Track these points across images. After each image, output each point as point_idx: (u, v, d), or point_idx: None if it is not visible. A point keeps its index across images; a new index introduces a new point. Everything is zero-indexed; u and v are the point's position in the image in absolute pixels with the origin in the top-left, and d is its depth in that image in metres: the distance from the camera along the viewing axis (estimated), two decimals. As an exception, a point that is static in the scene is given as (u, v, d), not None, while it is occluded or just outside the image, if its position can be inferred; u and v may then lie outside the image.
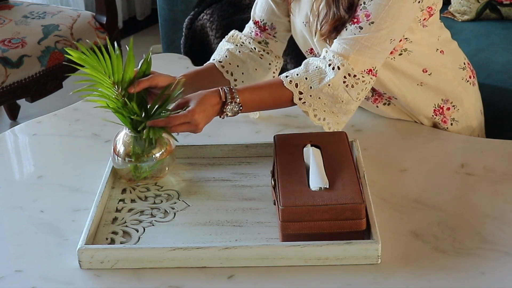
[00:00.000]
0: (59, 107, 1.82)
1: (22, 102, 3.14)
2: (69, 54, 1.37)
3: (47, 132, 1.71)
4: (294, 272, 1.22)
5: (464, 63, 1.67)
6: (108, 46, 1.38)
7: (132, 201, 1.42)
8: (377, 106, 1.65)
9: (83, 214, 1.36)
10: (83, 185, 1.47)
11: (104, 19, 2.78)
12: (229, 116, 1.41)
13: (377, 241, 1.22)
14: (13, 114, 3.19)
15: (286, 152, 1.39)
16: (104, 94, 1.39)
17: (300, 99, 1.43)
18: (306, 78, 1.44)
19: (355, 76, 1.44)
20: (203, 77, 1.58)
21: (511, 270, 1.22)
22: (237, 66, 1.62)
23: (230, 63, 1.62)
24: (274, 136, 1.45)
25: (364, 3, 1.45)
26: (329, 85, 1.42)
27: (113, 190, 1.44)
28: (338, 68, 1.43)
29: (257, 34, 1.67)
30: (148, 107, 1.41)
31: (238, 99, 1.40)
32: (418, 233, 1.30)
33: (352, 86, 1.44)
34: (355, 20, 1.45)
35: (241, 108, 1.40)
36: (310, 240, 1.23)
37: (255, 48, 1.66)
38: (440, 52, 1.61)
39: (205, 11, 2.78)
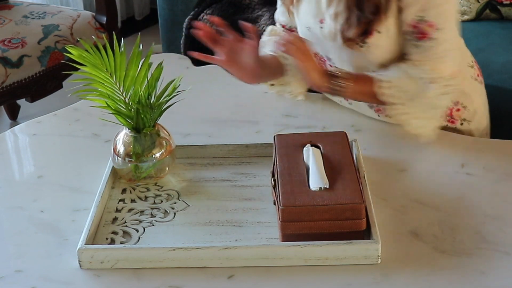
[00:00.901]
0: (59, 107, 1.82)
1: (22, 102, 3.14)
2: (69, 53, 1.37)
3: (47, 132, 1.71)
4: (294, 272, 1.22)
5: (472, 61, 1.69)
6: (114, 44, 1.38)
7: (132, 201, 1.42)
8: (379, 116, 1.65)
9: (83, 214, 1.36)
10: (83, 185, 1.47)
11: (104, 19, 2.78)
12: (329, 89, 1.48)
13: (377, 241, 1.22)
14: (13, 114, 3.19)
15: (286, 152, 1.39)
16: (103, 94, 1.39)
17: (400, 109, 1.50)
18: (400, 88, 1.49)
19: (447, 85, 1.49)
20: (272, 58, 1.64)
21: (511, 270, 1.22)
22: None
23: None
24: (274, 136, 1.45)
25: (419, 16, 1.47)
26: (427, 96, 1.48)
27: (113, 190, 1.44)
28: (432, 81, 1.48)
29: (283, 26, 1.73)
30: (152, 101, 1.40)
31: (344, 83, 1.48)
32: (418, 233, 1.30)
33: (448, 93, 1.50)
34: (421, 35, 1.48)
35: (343, 86, 1.48)
36: (310, 240, 1.23)
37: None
38: None
39: (205, 11, 2.78)
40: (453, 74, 1.50)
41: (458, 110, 1.63)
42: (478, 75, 1.69)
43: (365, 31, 1.49)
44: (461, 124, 1.64)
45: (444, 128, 1.64)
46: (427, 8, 1.46)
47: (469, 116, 1.65)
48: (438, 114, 1.52)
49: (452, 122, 1.64)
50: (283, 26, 1.72)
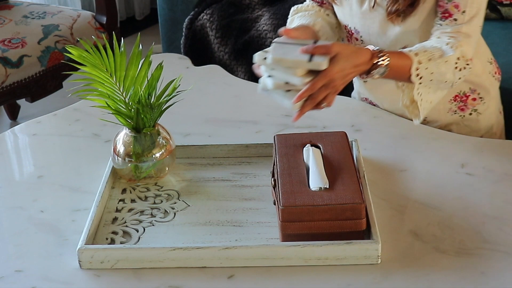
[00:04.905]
0: (59, 107, 1.82)
1: (22, 102, 3.14)
2: (69, 53, 1.37)
3: (47, 132, 1.71)
4: (294, 272, 1.22)
5: (491, 59, 1.70)
6: (114, 44, 1.38)
7: (132, 201, 1.42)
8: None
9: (83, 214, 1.36)
10: (83, 185, 1.47)
11: (104, 19, 2.78)
12: (375, 78, 1.40)
13: (377, 241, 1.22)
14: (13, 114, 3.19)
15: (286, 152, 1.39)
16: (103, 94, 1.39)
17: (417, 69, 1.42)
18: (425, 51, 1.43)
19: (466, 60, 1.46)
20: (300, 29, 1.57)
21: (511, 270, 1.22)
22: (315, 23, 1.63)
23: (309, 21, 1.62)
24: (274, 136, 1.45)
25: None
26: (446, 61, 1.44)
27: (113, 190, 1.44)
28: (457, 47, 1.44)
29: (319, 5, 1.70)
30: (152, 101, 1.40)
31: (388, 61, 1.38)
32: (418, 233, 1.30)
33: (460, 70, 1.46)
34: (447, 14, 1.48)
35: (387, 70, 1.39)
36: (310, 240, 1.23)
37: (320, 11, 1.68)
38: None
39: (205, 11, 2.78)
40: (471, 61, 1.48)
41: (474, 99, 1.64)
42: (496, 73, 1.71)
43: (412, 4, 1.50)
44: (470, 114, 1.65)
45: (453, 114, 1.65)
46: None
47: (481, 108, 1.66)
48: (439, 88, 1.48)
49: (463, 109, 1.65)
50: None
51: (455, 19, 1.48)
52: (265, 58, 1.32)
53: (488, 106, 1.67)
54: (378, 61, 1.37)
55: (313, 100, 1.31)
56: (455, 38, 1.47)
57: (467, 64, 1.47)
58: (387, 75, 1.42)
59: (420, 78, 1.43)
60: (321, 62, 1.29)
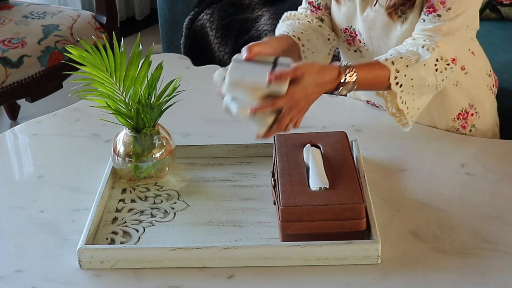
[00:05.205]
0: (59, 107, 1.82)
1: (22, 102, 3.14)
2: (69, 53, 1.37)
3: (47, 132, 1.71)
4: (294, 272, 1.22)
5: (490, 71, 1.67)
6: (114, 44, 1.38)
7: (132, 201, 1.42)
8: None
9: (83, 214, 1.36)
10: (83, 185, 1.47)
11: (104, 19, 2.78)
12: (343, 94, 1.37)
13: (377, 241, 1.22)
14: (13, 114, 3.19)
15: (286, 152, 1.39)
16: (103, 94, 1.39)
17: (395, 77, 1.40)
18: (401, 58, 1.41)
19: (446, 60, 1.44)
20: (279, 42, 1.51)
21: (511, 270, 1.22)
22: (301, 33, 1.59)
23: (294, 30, 1.58)
24: (274, 136, 1.45)
25: None
26: (424, 65, 1.41)
27: (113, 190, 1.44)
28: (433, 49, 1.42)
29: (312, 11, 1.66)
30: (152, 101, 1.40)
31: (355, 77, 1.36)
32: (418, 233, 1.30)
33: (441, 72, 1.43)
34: (431, 9, 1.45)
35: (355, 87, 1.37)
36: (310, 240, 1.23)
37: (312, 20, 1.64)
38: (472, 53, 1.61)
39: (205, 11, 2.78)
40: (453, 61, 1.45)
41: (472, 115, 1.63)
42: (493, 86, 1.68)
43: None
44: (470, 130, 1.64)
45: (455, 131, 1.64)
46: None
47: (478, 123, 1.65)
48: (423, 93, 1.45)
49: (464, 127, 1.63)
50: (310, 3, 1.65)
51: (439, 15, 1.44)
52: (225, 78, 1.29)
53: (484, 120, 1.65)
54: (346, 79, 1.35)
55: (280, 125, 1.29)
56: (432, 38, 1.44)
57: (448, 65, 1.44)
58: (362, 88, 1.40)
59: (401, 86, 1.41)
60: (280, 89, 1.25)
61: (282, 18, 1.67)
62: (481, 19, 2.63)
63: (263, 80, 1.25)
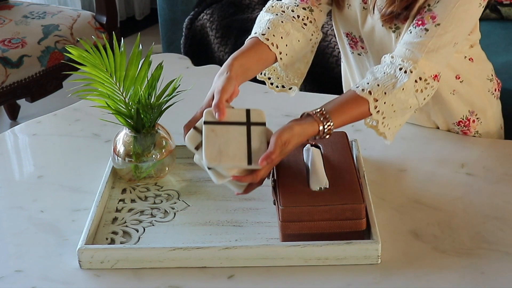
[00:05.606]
0: (59, 107, 1.82)
1: (22, 102, 3.14)
2: (69, 53, 1.37)
3: (47, 132, 1.71)
4: (294, 272, 1.22)
5: (492, 75, 1.65)
6: (114, 44, 1.38)
7: (132, 201, 1.42)
8: None
9: (83, 214, 1.36)
10: (83, 185, 1.47)
11: (104, 19, 2.78)
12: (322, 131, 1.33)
13: (377, 241, 1.22)
14: (13, 114, 3.19)
15: (286, 152, 1.39)
16: (103, 94, 1.39)
17: (375, 107, 1.36)
18: (378, 85, 1.37)
19: (425, 80, 1.40)
20: (250, 55, 1.47)
21: (511, 270, 1.22)
22: (281, 38, 1.51)
23: (274, 35, 1.51)
24: (274, 136, 1.45)
25: (429, 5, 1.41)
26: (403, 89, 1.37)
27: (113, 190, 1.44)
28: (411, 71, 1.38)
29: (302, 0, 1.58)
30: (152, 101, 1.40)
31: (332, 125, 1.33)
32: (418, 233, 1.30)
33: (421, 91, 1.40)
34: (420, 22, 1.42)
35: (332, 132, 1.34)
36: (310, 240, 1.23)
37: (298, 16, 1.55)
38: (469, 59, 1.59)
39: (205, 11, 2.78)
40: (435, 78, 1.41)
41: (474, 121, 1.62)
42: (495, 89, 1.66)
43: (407, 6, 1.44)
44: (474, 136, 1.63)
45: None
46: (441, 1, 1.40)
47: (481, 129, 1.64)
48: (405, 113, 1.42)
49: (466, 133, 1.63)
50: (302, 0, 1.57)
51: (426, 29, 1.40)
52: (196, 147, 1.28)
53: (486, 125, 1.64)
54: (324, 134, 1.32)
55: (258, 183, 1.30)
56: (413, 55, 1.39)
57: (428, 84, 1.40)
58: (338, 127, 1.37)
59: (382, 113, 1.37)
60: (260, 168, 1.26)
61: (266, 7, 1.58)
62: (481, 19, 2.63)
63: (243, 158, 1.25)
